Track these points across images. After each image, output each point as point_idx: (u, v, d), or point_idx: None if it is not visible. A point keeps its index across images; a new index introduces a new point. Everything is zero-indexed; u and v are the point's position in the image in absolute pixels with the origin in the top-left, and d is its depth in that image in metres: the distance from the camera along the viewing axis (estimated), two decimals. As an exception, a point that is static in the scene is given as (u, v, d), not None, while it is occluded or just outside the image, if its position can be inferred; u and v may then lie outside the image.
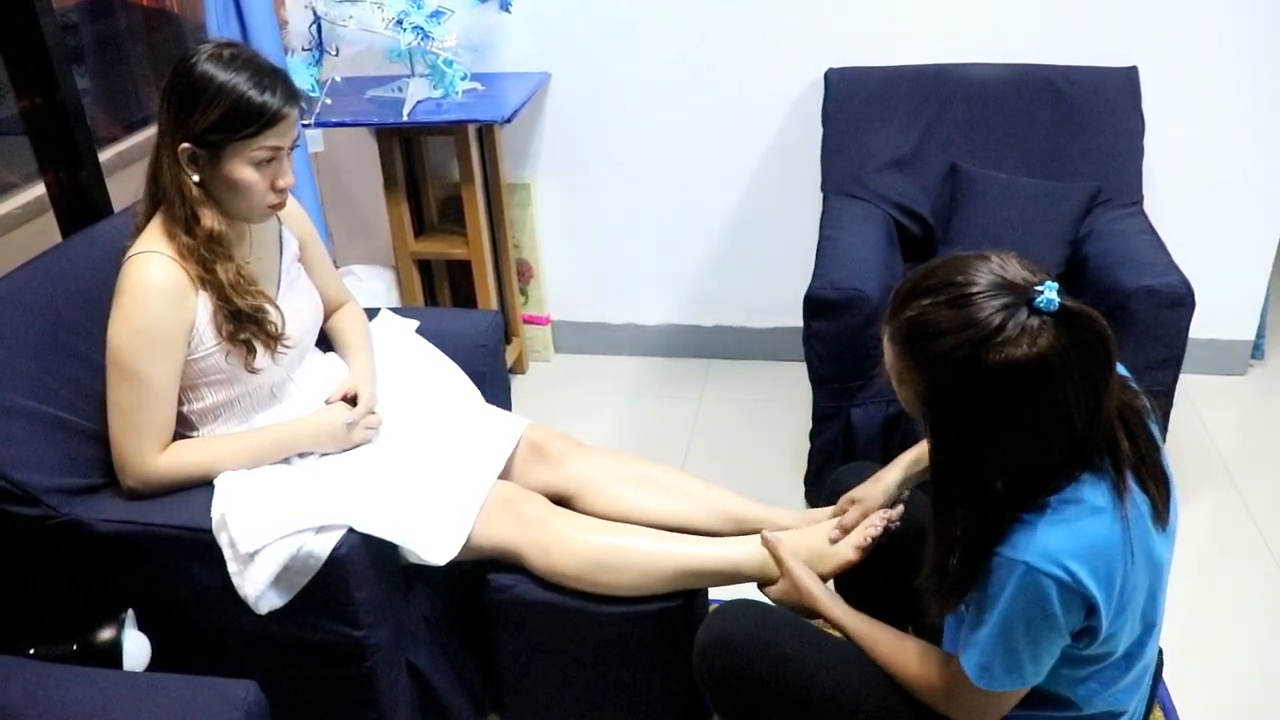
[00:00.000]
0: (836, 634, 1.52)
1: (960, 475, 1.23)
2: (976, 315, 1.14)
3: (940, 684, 1.34)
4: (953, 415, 1.20)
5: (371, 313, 2.18)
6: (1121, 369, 1.29)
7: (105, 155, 2.50)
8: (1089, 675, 1.28)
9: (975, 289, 1.16)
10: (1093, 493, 1.20)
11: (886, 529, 1.65)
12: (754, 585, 1.69)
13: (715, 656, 1.52)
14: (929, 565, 1.29)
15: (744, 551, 1.74)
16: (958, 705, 1.33)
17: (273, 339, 1.77)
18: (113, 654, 1.57)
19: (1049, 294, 1.13)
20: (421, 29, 2.78)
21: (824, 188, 2.86)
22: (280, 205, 1.74)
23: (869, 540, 1.66)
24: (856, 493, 1.71)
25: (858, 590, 1.71)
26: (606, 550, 1.75)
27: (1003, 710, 1.30)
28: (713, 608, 1.66)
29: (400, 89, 2.93)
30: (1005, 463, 1.20)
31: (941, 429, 1.23)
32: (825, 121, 2.86)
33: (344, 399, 1.87)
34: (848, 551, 1.68)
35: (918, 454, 1.70)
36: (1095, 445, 1.20)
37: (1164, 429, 2.35)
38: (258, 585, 1.62)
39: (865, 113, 2.83)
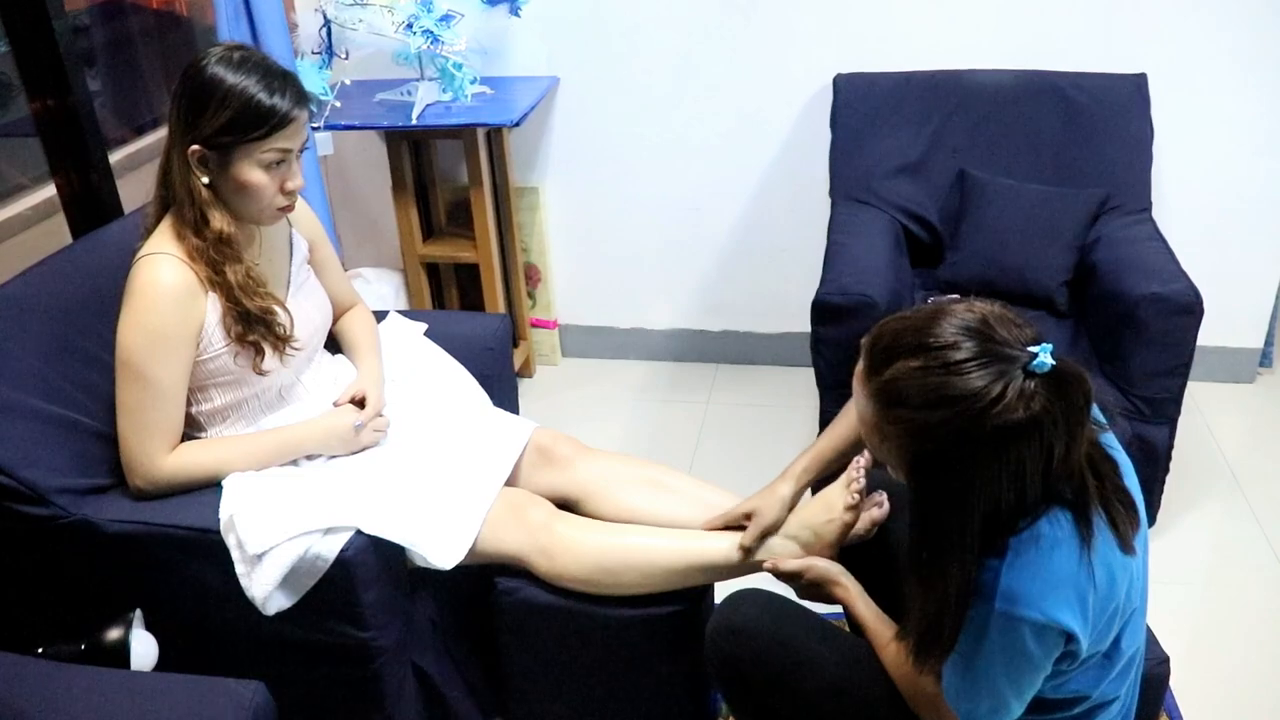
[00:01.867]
0: (844, 624, 1.53)
1: (946, 531, 1.21)
2: (972, 385, 1.12)
3: (936, 715, 1.35)
4: (941, 477, 1.19)
5: (380, 315, 2.18)
6: None
7: (116, 157, 2.51)
8: (1070, 680, 1.28)
9: (965, 355, 1.13)
10: (1050, 526, 1.19)
11: (868, 497, 1.69)
12: (765, 575, 1.69)
13: (726, 644, 1.53)
14: (918, 626, 1.27)
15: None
16: None
17: (281, 341, 1.77)
18: (120, 654, 1.57)
19: (1043, 357, 1.12)
20: (431, 33, 2.79)
21: (832, 193, 2.86)
22: (289, 207, 1.74)
23: (856, 497, 1.68)
24: (751, 505, 1.75)
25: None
26: (610, 552, 1.75)
27: None
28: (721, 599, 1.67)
29: (409, 92, 2.94)
30: (987, 514, 1.18)
31: (928, 489, 1.22)
32: (833, 127, 2.86)
33: (352, 401, 1.88)
34: (844, 515, 1.69)
35: (806, 463, 1.73)
36: (1062, 484, 1.19)
37: (1171, 437, 2.36)
38: (265, 586, 1.62)
39: (874, 118, 2.83)
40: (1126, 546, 1.23)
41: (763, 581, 1.65)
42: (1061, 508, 1.20)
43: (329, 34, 2.88)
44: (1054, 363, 1.13)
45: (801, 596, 1.61)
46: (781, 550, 1.72)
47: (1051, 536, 1.19)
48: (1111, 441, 1.31)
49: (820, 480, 1.76)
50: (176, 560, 1.69)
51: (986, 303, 1.19)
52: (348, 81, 3.01)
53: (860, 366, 1.22)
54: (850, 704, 1.46)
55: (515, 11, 2.95)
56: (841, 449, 1.72)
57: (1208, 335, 2.35)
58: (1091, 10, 2.82)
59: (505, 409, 2.10)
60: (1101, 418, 1.32)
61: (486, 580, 1.82)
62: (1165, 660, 1.59)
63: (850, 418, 1.71)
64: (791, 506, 1.74)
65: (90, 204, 2.24)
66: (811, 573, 1.57)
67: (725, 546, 1.76)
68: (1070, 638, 1.19)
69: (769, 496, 1.74)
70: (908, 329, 1.18)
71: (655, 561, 1.74)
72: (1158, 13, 2.79)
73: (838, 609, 1.59)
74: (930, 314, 1.19)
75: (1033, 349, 1.13)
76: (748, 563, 1.74)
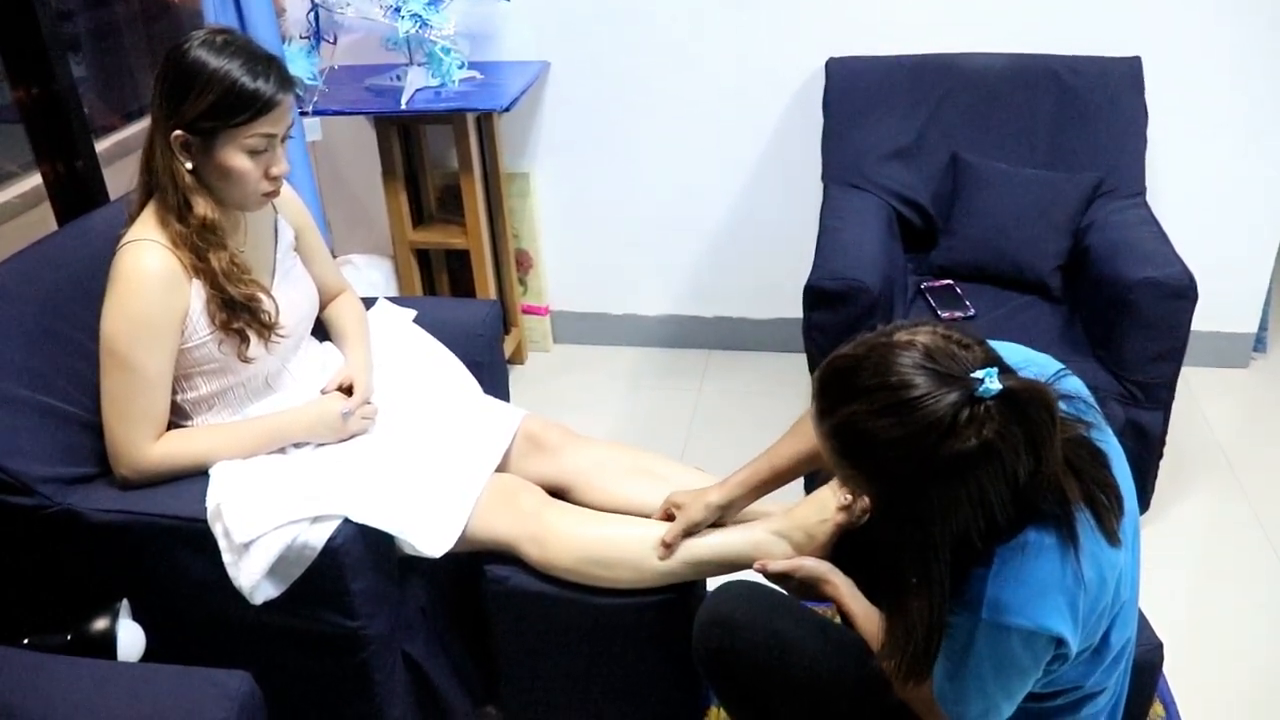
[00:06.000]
0: (835, 619, 1.52)
1: (911, 562, 1.19)
2: (924, 421, 1.09)
3: (927, 710, 1.34)
4: (903, 510, 1.17)
5: (369, 302, 2.17)
6: (1075, 384, 1.27)
7: (103, 145, 2.49)
8: (1059, 676, 1.28)
9: (916, 392, 1.10)
10: (1036, 533, 1.18)
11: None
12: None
13: (714, 636, 1.53)
14: (891, 647, 1.27)
15: (740, 539, 1.73)
16: None
17: (266, 328, 1.76)
18: (107, 644, 1.56)
19: (989, 383, 1.10)
20: (420, 17, 2.77)
21: (824, 178, 2.84)
22: (274, 193, 1.73)
23: (849, 498, 1.68)
24: (679, 499, 1.74)
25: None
26: (603, 543, 1.74)
27: None
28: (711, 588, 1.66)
29: (398, 77, 2.92)
30: (956, 535, 1.16)
31: (891, 522, 1.21)
32: (826, 111, 2.84)
33: (340, 389, 1.86)
34: (837, 516, 1.69)
35: (743, 478, 1.72)
36: (1041, 495, 1.18)
37: (1165, 422, 2.35)
38: (252, 575, 1.61)
39: (866, 102, 2.82)
40: (1112, 538, 1.21)
41: (752, 572, 1.64)
42: (1051, 517, 1.18)
43: (317, 19, 2.86)
44: (1001, 386, 1.10)
45: (793, 596, 1.60)
46: (773, 550, 1.71)
47: (1037, 543, 1.17)
48: (1103, 436, 1.28)
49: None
50: (163, 550, 1.67)
51: (929, 330, 1.17)
52: (336, 67, 2.99)
53: (813, 408, 1.20)
54: (838, 694, 1.46)
55: (505, -5, 2.94)
56: (779, 471, 1.71)
57: (1201, 320, 2.34)
58: (1085, -7, 2.80)
59: (496, 396, 2.09)
60: (1087, 415, 1.28)
61: (477, 568, 1.82)
62: (1158, 646, 1.58)
63: (794, 438, 1.70)
64: (716, 516, 1.73)
65: (77, 192, 2.22)
66: (801, 572, 1.56)
67: (719, 542, 1.74)
68: (1060, 642, 1.18)
69: (697, 498, 1.72)
70: (857, 367, 1.16)
71: (648, 558, 1.73)
72: (1152, -5, 2.78)
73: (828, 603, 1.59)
74: (876, 350, 1.16)
75: (978, 374, 1.10)
76: (740, 560, 1.73)
